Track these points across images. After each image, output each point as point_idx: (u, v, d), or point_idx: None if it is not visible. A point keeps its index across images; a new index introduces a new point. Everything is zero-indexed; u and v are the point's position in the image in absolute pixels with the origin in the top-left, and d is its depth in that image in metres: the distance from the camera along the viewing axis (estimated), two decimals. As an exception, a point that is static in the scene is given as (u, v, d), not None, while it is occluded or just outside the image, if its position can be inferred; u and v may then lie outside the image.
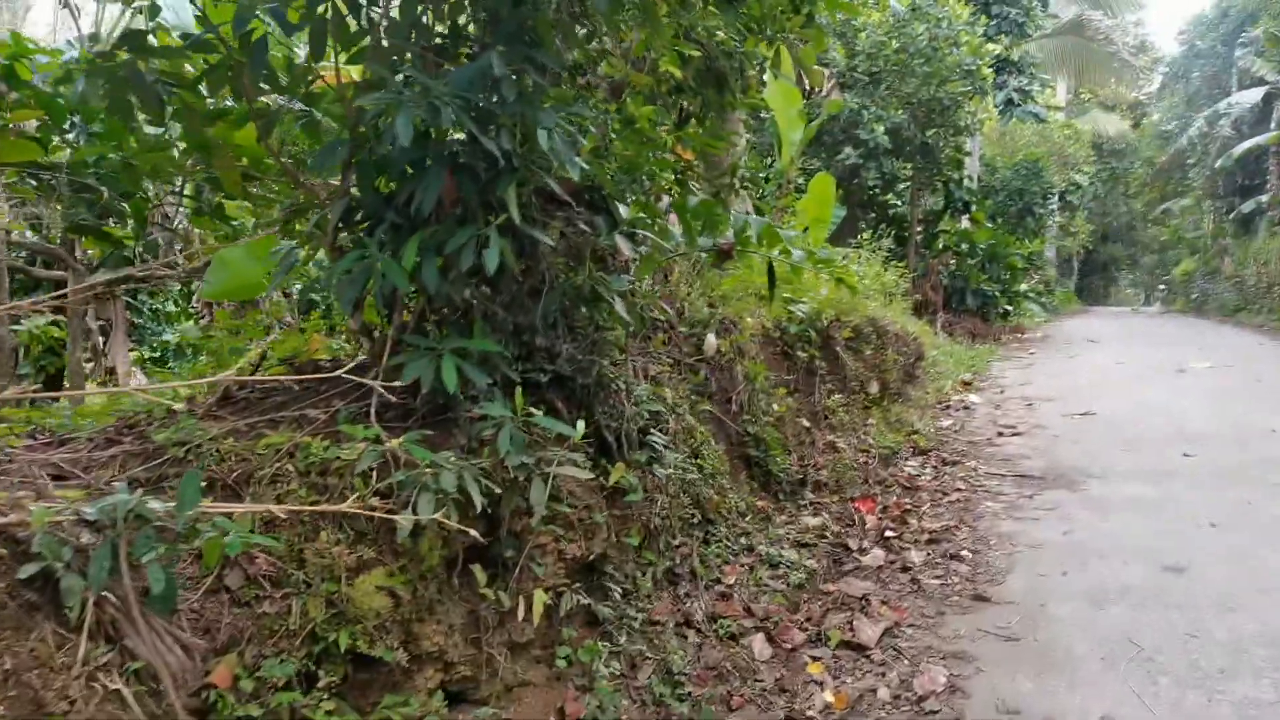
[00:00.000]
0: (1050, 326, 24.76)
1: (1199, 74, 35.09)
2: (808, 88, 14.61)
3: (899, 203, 20.37)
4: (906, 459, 7.88)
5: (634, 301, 3.76)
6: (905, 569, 5.45)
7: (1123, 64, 29.14)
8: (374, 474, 3.09)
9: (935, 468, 7.74)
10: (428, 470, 3.01)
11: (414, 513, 2.98)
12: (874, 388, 8.65)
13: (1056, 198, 36.33)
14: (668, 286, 6.10)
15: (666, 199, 6.14)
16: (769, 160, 14.56)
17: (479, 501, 3.04)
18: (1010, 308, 22.05)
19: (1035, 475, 7.52)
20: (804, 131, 13.76)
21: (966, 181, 21.16)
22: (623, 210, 3.77)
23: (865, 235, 12.34)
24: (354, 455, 3.03)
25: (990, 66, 16.27)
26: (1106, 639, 4.45)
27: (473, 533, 3.04)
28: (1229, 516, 6.22)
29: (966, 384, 12.01)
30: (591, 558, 4.04)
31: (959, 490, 7.08)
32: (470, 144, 3.05)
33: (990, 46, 16.50)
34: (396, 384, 3.27)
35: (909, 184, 18.45)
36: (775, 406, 6.45)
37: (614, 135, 3.91)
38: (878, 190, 18.85)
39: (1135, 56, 38.51)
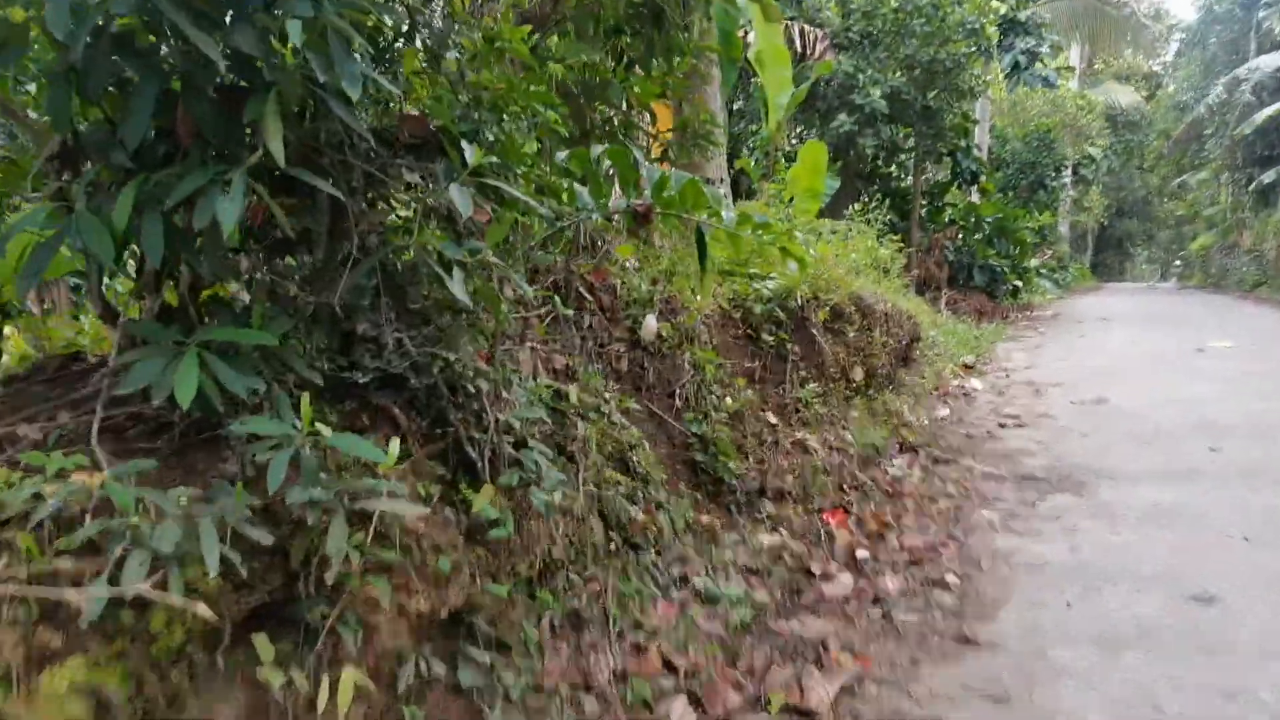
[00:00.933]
0: (1062, 304, 23.70)
1: (1217, 39, 33.73)
2: (799, 49, 13.59)
3: (902, 174, 19.33)
4: (892, 457, 6.93)
5: (480, 274, 2.80)
6: (877, 600, 4.51)
7: (1138, 27, 27.87)
8: (62, 524, 2.16)
9: (924, 467, 6.79)
10: (134, 521, 2.09)
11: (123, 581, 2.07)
12: (858, 375, 7.69)
13: (1069, 171, 35.14)
14: (596, 258, 5.16)
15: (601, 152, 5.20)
16: (755, 128, 13.54)
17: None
18: (1020, 284, 21.01)
19: (1039, 476, 6.57)
20: (793, 95, 12.76)
21: (975, 151, 20.09)
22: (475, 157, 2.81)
23: (856, 207, 11.31)
24: (21, 498, 2.10)
25: (996, 25, 15.19)
26: (1120, 700, 3.51)
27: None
28: (1264, 528, 5.26)
29: (968, 367, 11.04)
30: (450, 611, 3.13)
31: (950, 496, 6.13)
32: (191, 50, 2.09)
33: (996, 4, 15.40)
34: (129, 391, 2.34)
35: (912, 153, 17.40)
36: (730, 400, 5.50)
37: (467, 54, 2.95)
38: (879, 161, 17.82)
39: (1151, 24, 37.15)
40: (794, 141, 15.61)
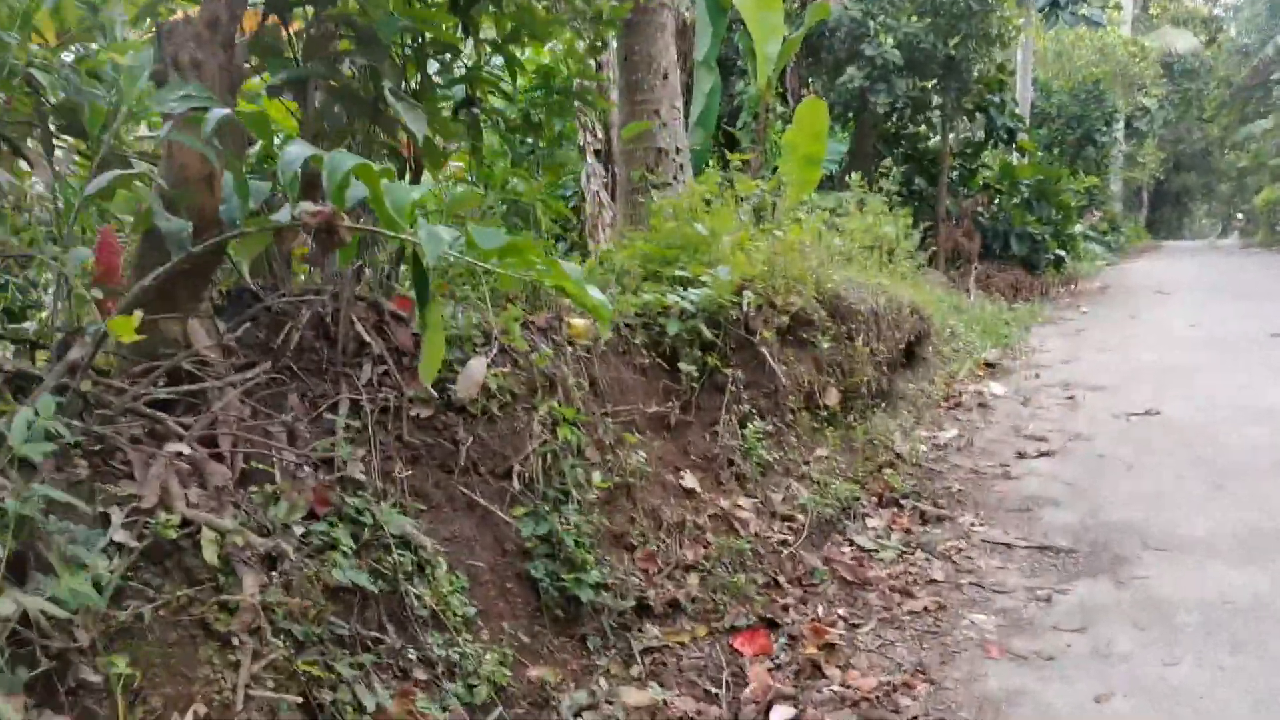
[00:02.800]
0: (1111, 272, 21.55)
1: (1287, -26, 30.78)
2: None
3: (930, 133, 17.34)
4: (866, 516, 5.24)
5: None
6: (784, 816, 2.88)
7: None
8: None
9: (906, 532, 5.09)
10: None
11: None
12: (831, 398, 5.99)
13: (1121, 124, 32.60)
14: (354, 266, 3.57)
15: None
16: (743, 84, 11.74)
17: None
18: (1063, 253, 18.92)
19: (1061, 545, 4.84)
20: (784, 44, 10.96)
21: (1011, 106, 18.00)
22: None
23: (856, 177, 9.51)
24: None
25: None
26: None
27: None
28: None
29: (989, 366, 9.24)
30: None
31: (933, 583, 4.45)
32: None
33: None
34: None
35: (939, 110, 15.42)
36: (599, 477, 3.85)
37: None
38: (897, 119, 15.88)
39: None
40: (796, 100, 13.76)
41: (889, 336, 7.19)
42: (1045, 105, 28.85)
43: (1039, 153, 24.16)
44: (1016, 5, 13.90)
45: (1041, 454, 6.47)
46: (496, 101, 4.70)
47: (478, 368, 3.55)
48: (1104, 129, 29.37)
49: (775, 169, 11.08)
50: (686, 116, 11.84)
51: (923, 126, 17.33)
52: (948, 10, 12.49)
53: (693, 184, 7.88)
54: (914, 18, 12.61)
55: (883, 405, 7.03)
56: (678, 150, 7.75)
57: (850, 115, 13.98)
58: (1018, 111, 17.82)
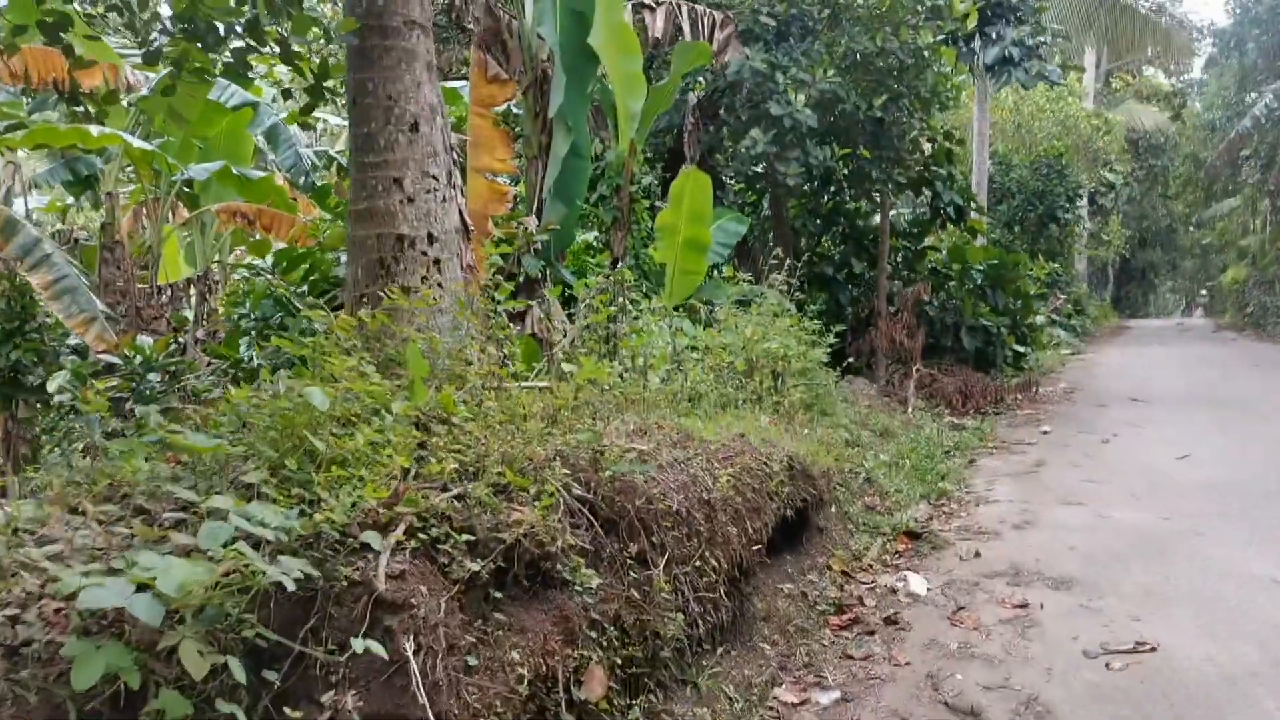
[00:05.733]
0: (1077, 367, 19.14)
1: (1255, 45, 29.17)
2: (654, 34, 9.34)
3: (865, 209, 15.01)
4: None
5: None
6: None
7: (1169, 25, 23.46)
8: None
9: None
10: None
11: None
12: (596, 686, 3.33)
13: (1085, 200, 30.76)
14: None
15: None
16: (603, 148, 9.30)
17: None
18: (1022, 348, 16.54)
19: None
20: (651, 96, 8.53)
21: (959, 180, 15.75)
22: None
23: (729, 270, 7.00)
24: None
25: (976, 4, 10.91)
26: None
27: None
28: None
29: (913, 537, 6.62)
30: None
31: None
32: None
33: (972, -24, 11.12)
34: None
35: (879, 184, 13.07)
36: None
37: None
38: (831, 195, 13.51)
39: (1180, 28, 32.78)
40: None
41: (734, 536, 4.57)
42: (1004, 180, 26.89)
43: (996, 232, 22.00)
44: (956, 61, 11.66)
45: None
46: None
47: None
48: (1068, 205, 27.43)
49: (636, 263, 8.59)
50: (539, 187, 9.38)
51: (862, 202, 15.02)
52: (873, 64, 10.14)
53: (456, 286, 5.34)
54: (831, 72, 10.25)
55: (723, 647, 4.39)
56: (430, 239, 5.17)
57: (760, 189, 11.57)
58: (966, 186, 15.55)
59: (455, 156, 8.79)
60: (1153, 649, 4.74)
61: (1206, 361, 19.52)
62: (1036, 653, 4.80)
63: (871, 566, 6.06)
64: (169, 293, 11.58)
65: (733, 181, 12.22)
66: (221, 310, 9.37)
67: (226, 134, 11.33)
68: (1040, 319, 19.18)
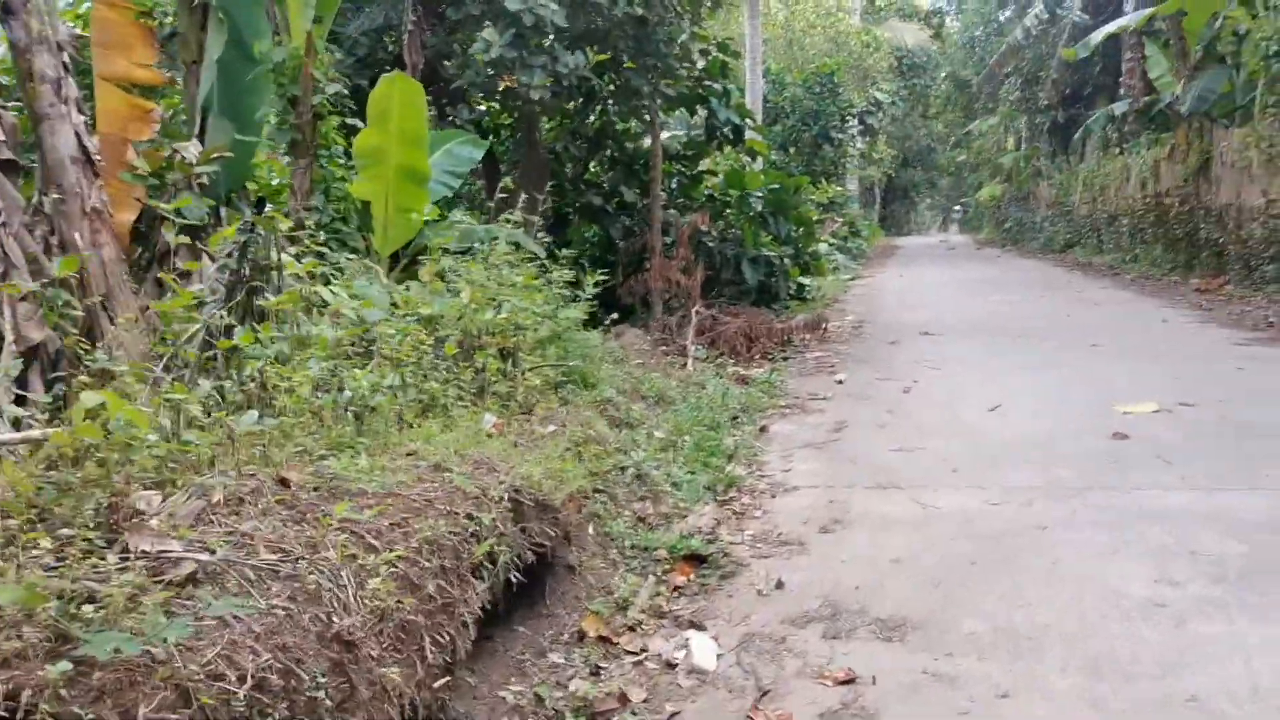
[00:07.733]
0: (859, 293, 18.38)
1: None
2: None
3: (636, 129, 13.29)
4: None
5: None
6: None
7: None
8: None
9: None
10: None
11: None
12: None
13: (856, 120, 30.42)
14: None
15: None
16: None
17: None
18: (807, 280, 15.45)
19: None
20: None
21: (736, 95, 14.26)
22: None
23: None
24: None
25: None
26: None
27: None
28: None
29: (696, 561, 4.98)
30: None
31: None
32: None
33: None
34: None
35: (648, 100, 11.29)
36: None
37: None
38: (582, 111, 11.65)
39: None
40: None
41: (398, 677, 2.68)
42: (778, 99, 25.92)
43: (773, 154, 20.93)
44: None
45: None
46: None
47: None
48: (840, 125, 26.86)
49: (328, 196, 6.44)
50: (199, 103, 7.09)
51: (633, 122, 13.26)
52: (630, -51, 8.26)
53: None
54: (582, -43, 8.30)
55: None
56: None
57: (497, 104, 9.55)
58: (744, 103, 14.08)
59: (72, 57, 6.35)
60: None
61: (990, 283, 19.27)
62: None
63: (641, 624, 4.36)
64: None
65: (477, 97, 10.15)
66: None
67: None
68: (823, 246, 18.27)
